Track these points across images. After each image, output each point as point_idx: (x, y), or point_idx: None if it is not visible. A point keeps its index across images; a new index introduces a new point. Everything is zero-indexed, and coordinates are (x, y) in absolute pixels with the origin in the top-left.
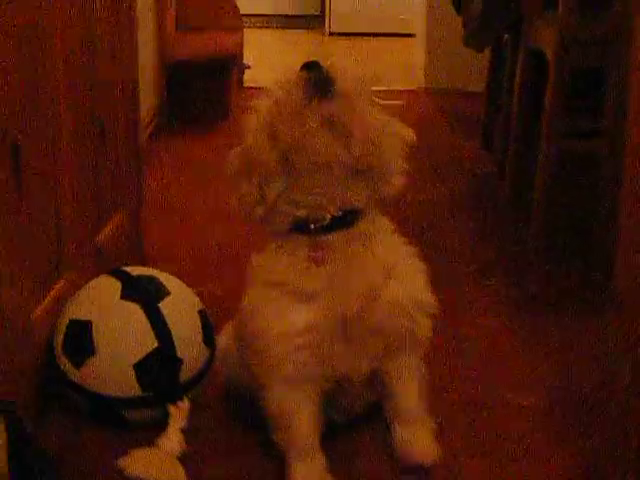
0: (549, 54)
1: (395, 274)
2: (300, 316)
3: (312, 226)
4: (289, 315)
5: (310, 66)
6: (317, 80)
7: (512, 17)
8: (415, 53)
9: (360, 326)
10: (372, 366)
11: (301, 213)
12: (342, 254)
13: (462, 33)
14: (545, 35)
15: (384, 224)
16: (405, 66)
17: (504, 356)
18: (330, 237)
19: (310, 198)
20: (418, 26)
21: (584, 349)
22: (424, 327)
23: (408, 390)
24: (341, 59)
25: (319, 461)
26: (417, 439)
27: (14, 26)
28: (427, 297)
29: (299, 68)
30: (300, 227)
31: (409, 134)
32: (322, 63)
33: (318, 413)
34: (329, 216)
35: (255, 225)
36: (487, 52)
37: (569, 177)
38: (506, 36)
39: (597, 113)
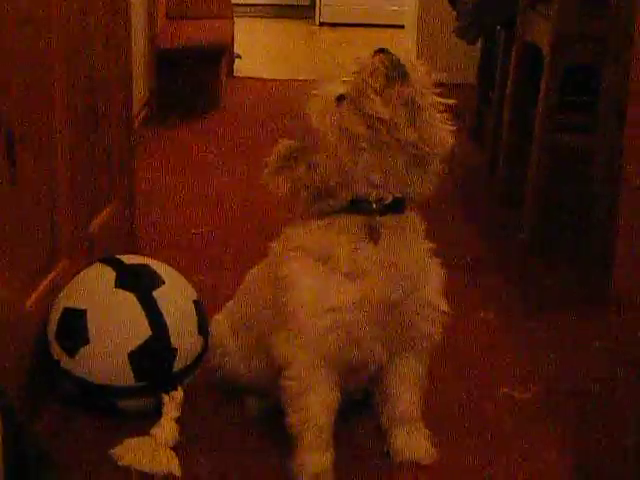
0: (545, 49)
1: (427, 275)
2: (345, 292)
3: (374, 205)
4: (334, 291)
5: (384, 52)
6: (397, 63)
7: (507, 11)
8: (405, 44)
9: (394, 313)
10: (386, 358)
11: (365, 191)
12: (393, 236)
13: (454, 24)
14: (541, 30)
15: (421, 226)
16: None
17: (498, 350)
18: (385, 219)
19: (376, 177)
20: (408, 17)
21: (579, 344)
22: (437, 333)
23: (410, 395)
24: (406, 51)
25: (328, 453)
26: (414, 440)
27: (11, 15)
28: (446, 307)
29: (373, 53)
30: (357, 206)
31: (452, 137)
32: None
33: (337, 398)
34: (390, 197)
35: (306, 203)
36: (478, 44)
37: (561, 171)
38: (498, 28)
39: (589, 108)
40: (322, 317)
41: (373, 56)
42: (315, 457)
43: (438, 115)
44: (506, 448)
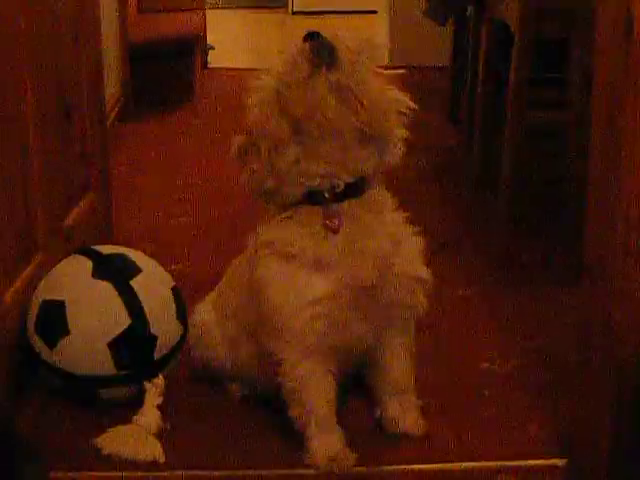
0: (513, 25)
1: (401, 249)
2: (318, 285)
3: (326, 194)
4: (307, 286)
5: (312, 36)
6: (321, 48)
7: None
8: (378, 30)
9: (373, 294)
10: (373, 337)
11: (314, 183)
12: (355, 221)
13: (424, 6)
14: (508, 6)
15: (388, 200)
16: None
17: (479, 327)
18: (343, 205)
19: (322, 167)
20: (380, 3)
21: (556, 317)
22: (422, 304)
23: (401, 365)
24: (340, 31)
25: (338, 434)
26: (406, 411)
27: None
28: (428, 276)
29: (302, 39)
30: (311, 197)
31: (408, 101)
32: (322, 33)
33: (334, 385)
34: (342, 183)
35: (262, 200)
36: (450, 26)
37: (537, 148)
38: (470, 8)
39: (562, 84)
40: (301, 311)
41: (302, 42)
42: (324, 441)
43: (379, 88)
44: (488, 421)
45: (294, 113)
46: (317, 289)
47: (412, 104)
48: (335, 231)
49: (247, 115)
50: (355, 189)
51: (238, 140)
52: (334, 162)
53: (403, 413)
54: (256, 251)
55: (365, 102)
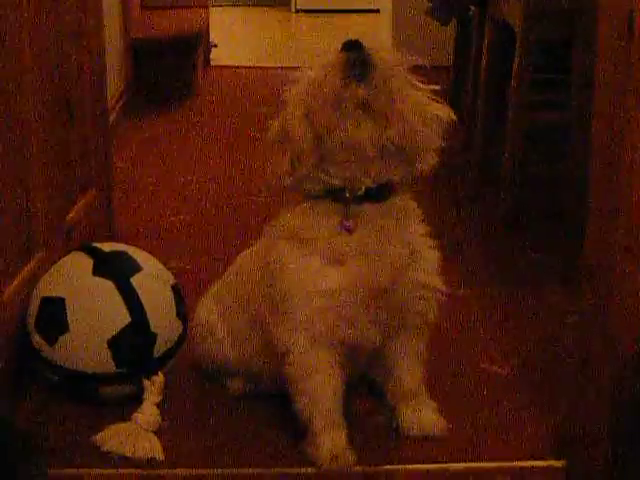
0: (516, 26)
1: (418, 259)
2: (331, 277)
3: (347, 194)
4: (319, 276)
5: (350, 46)
6: (356, 63)
7: None
8: (381, 29)
9: (385, 298)
10: (382, 339)
11: (337, 182)
12: (372, 226)
13: (427, 5)
14: (511, 7)
15: (414, 211)
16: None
17: (477, 327)
18: (363, 208)
19: (345, 171)
20: (383, 2)
21: (555, 318)
22: (434, 312)
23: (413, 373)
24: (379, 40)
25: (343, 433)
26: (421, 414)
27: None
28: (442, 286)
29: (339, 48)
30: (333, 194)
31: (446, 113)
32: (363, 43)
33: (341, 378)
34: (364, 187)
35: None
36: (453, 26)
37: (539, 149)
38: (472, 8)
39: (564, 85)
40: (311, 299)
41: (339, 52)
42: (329, 438)
43: (415, 102)
44: (486, 422)
45: (317, 127)
46: (330, 281)
47: (452, 116)
48: (350, 232)
49: (285, 105)
50: (377, 194)
51: (272, 127)
52: (356, 169)
53: (418, 416)
54: (271, 237)
55: (394, 119)
